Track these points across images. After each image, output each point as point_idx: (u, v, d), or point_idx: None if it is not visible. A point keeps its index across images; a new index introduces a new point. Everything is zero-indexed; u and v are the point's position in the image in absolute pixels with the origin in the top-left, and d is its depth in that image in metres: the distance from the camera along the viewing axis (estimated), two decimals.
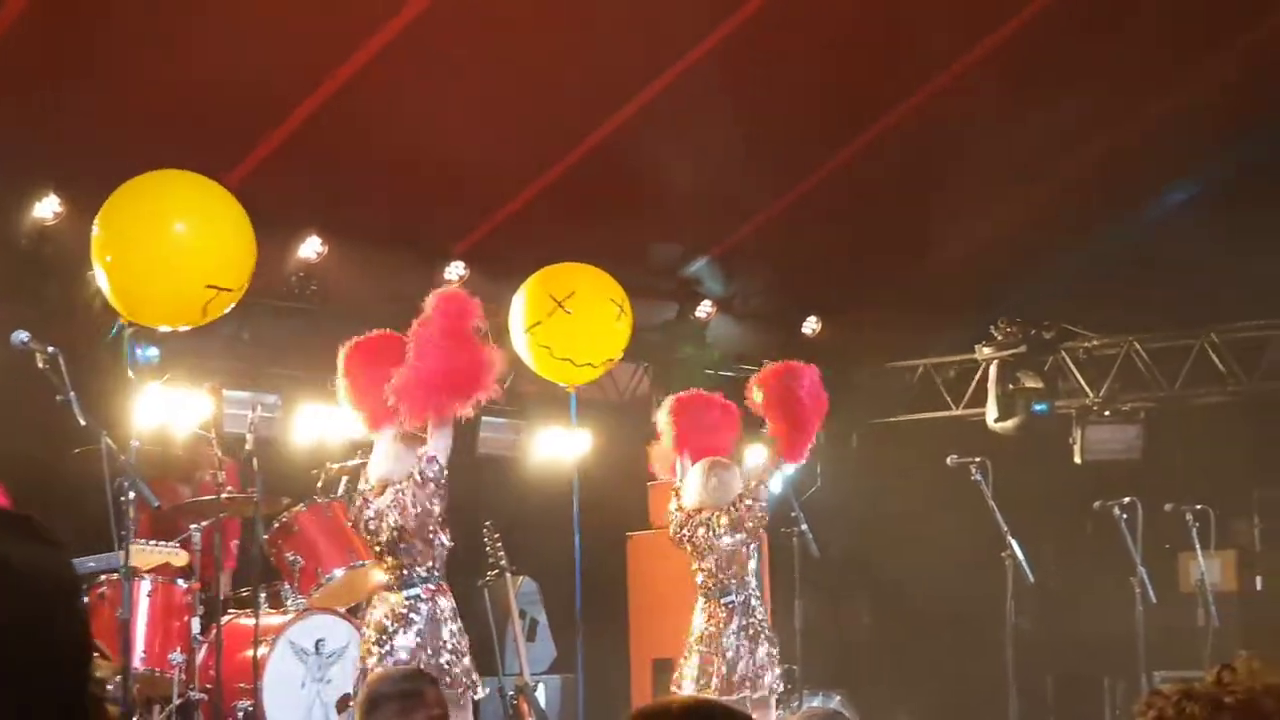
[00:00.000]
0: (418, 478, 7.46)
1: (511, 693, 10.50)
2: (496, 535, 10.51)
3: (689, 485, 8.76)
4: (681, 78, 10.88)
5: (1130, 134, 12.71)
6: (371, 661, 7.43)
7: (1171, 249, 13.07)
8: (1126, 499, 10.44)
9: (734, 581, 8.59)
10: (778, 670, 8.62)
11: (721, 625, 8.53)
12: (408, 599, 7.46)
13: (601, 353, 9.49)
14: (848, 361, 14.00)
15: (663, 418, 9.09)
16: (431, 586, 7.51)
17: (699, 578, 8.72)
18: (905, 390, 15.00)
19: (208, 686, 8.55)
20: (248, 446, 9.05)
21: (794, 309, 14.46)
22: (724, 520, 8.59)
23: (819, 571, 10.58)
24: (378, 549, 7.63)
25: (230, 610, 9.00)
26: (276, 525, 9.26)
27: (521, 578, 11.39)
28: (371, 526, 7.60)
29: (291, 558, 9.20)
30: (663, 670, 11.62)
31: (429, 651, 7.37)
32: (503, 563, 10.42)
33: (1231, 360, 13.72)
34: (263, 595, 8.86)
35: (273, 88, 9.89)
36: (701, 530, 8.64)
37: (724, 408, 9.22)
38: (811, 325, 14.58)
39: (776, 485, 9.28)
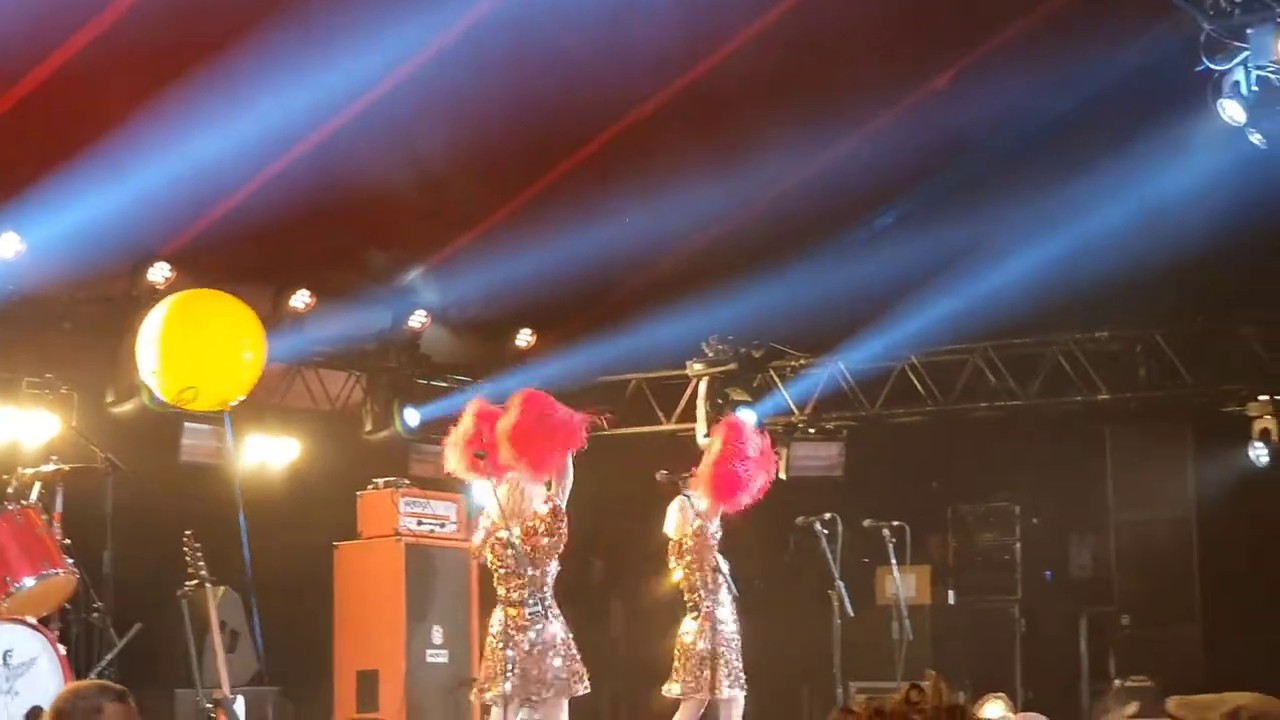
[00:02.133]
0: (544, 515, 9.07)
1: (209, 706, 10.25)
2: (197, 545, 10.24)
3: (668, 519, 10.10)
4: (399, 85, 10.81)
5: (837, 160, 13.02)
6: (497, 661, 8.89)
7: (875, 273, 13.42)
8: (828, 515, 10.71)
9: (699, 596, 9.88)
10: (741, 676, 10.00)
11: (695, 635, 9.81)
12: (530, 613, 8.95)
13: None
14: (559, 374, 14.05)
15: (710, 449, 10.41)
16: (548, 600, 9.03)
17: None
18: (617, 404, 15.11)
19: None
20: None
21: (507, 321, 14.48)
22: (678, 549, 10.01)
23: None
24: (503, 571, 9.04)
25: None
26: None
27: (222, 588, 11.13)
28: (497, 550, 9.04)
29: None
30: (367, 681, 11.50)
31: (551, 651, 8.90)
32: (203, 573, 10.16)
33: (929, 381, 14.18)
34: None
35: None
36: (673, 556, 10.04)
37: None
38: (525, 338, 14.63)
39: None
